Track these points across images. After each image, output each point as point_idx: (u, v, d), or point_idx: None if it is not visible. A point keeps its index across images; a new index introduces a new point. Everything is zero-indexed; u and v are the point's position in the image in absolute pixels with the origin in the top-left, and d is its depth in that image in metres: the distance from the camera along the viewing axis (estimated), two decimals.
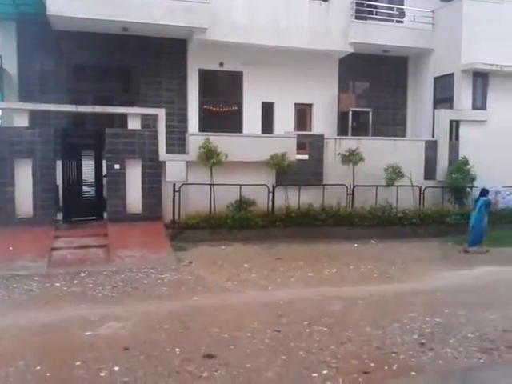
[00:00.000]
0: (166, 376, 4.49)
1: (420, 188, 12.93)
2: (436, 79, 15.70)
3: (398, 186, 12.56)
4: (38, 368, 4.64)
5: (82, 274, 8.16)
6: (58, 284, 7.64)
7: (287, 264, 9.19)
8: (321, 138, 13.08)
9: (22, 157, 10.41)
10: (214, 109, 14.86)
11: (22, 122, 10.64)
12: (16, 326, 5.89)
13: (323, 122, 15.46)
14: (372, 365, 4.80)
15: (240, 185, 11.40)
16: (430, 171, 14.06)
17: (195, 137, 12.11)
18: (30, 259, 8.66)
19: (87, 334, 5.61)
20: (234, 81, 14.99)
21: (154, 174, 11.30)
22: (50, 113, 12.31)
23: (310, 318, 6.18)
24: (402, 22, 15.27)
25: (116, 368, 4.62)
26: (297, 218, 11.59)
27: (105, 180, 11.19)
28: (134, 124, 11.42)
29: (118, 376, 4.47)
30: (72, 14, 11.97)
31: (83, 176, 11.13)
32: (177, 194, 11.19)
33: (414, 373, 4.72)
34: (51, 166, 10.62)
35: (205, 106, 14.75)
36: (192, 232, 10.89)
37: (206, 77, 14.67)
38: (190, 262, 9.10)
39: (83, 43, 13.18)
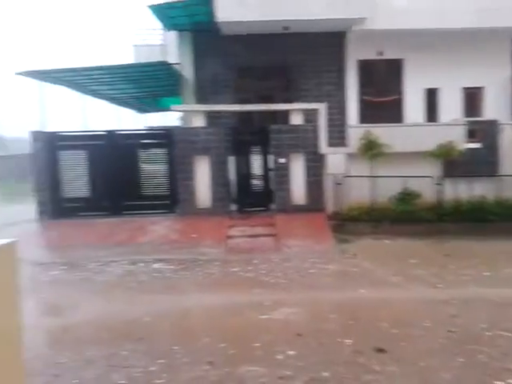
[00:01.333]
0: (337, 365, 4.55)
1: None
2: None
3: None
4: (223, 345, 5.09)
5: (255, 261, 8.68)
6: (234, 269, 8.26)
7: (458, 261, 8.54)
8: (494, 123, 11.83)
9: (200, 154, 11.45)
10: (374, 99, 14.44)
11: (199, 122, 11.70)
12: (200, 306, 6.54)
13: (495, 107, 13.95)
14: None
15: (403, 176, 10.92)
16: None
17: (355, 129, 11.96)
18: (209, 246, 9.53)
19: (262, 317, 5.97)
20: (393, 69, 14.37)
21: (315, 166, 11.48)
22: (221, 112, 13.30)
23: (489, 320, 5.67)
24: None
25: (291, 352, 4.84)
26: (467, 212, 10.67)
27: (271, 173, 11.72)
28: (296, 119, 11.73)
29: (292, 360, 4.67)
30: (239, 18, 12.69)
31: (252, 170, 11.82)
32: (338, 186, 11.20)
33: None
34: (224, 162, 11.50)
35: (364, 97, 14.43)
36: (353, 224, 10.79)
37: (364, 67, 14.33)
38: (354, 255, 9.05)
39: (247, 45, 13.91)
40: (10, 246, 1.74)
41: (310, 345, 5.04)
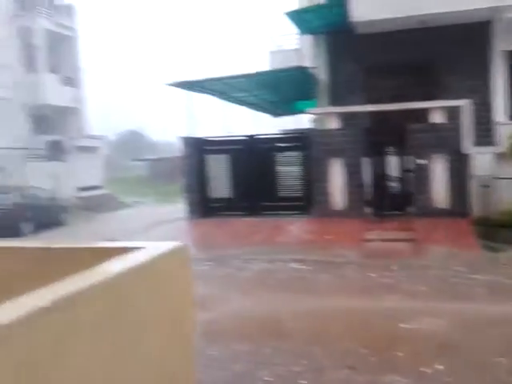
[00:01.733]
0: None
1: None
2: None
3: None
4: (364, 351, 5.01)
5: (392, 267, 8.39)
6: (370, 274, 8.08)
7: None
8: None
9: (335, 155, 11.42)
10: None
11: (334, 124, 11.67)
12: (338, 308, 6.51)
13: None
14: None
15: None
16: None
17: (504, 126, 10.89)
18: (345, 248, 9.47)
19: (402, 325, 5.74)
20: None
21: (458, 167, 10.70)
22: (355, 113, 13.07)
23: None
24: None
25: (439, 367, 4.58)
26: None
27: (408, 175, 11.22)
28: (436, 117, 11.07)
29: (441, 375, 4.42)
30: (375, 16, 12.36)
31: (388, 172, 11.44)
32: (485, 188, 10.30)
33: None
34: (359, 163, 11.31)
35: None
36: (504, 231, 9.82)
37: None
38: (507, 265, 8.24)
39: (381, 43, 13.45)
40: (185, 247, 1.94)
41: (460, 361, 4.72)
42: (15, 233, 14.59)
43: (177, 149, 13.04)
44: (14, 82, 20.95)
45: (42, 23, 22.97)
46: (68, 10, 24.88)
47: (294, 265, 8.70)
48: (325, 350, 5.05)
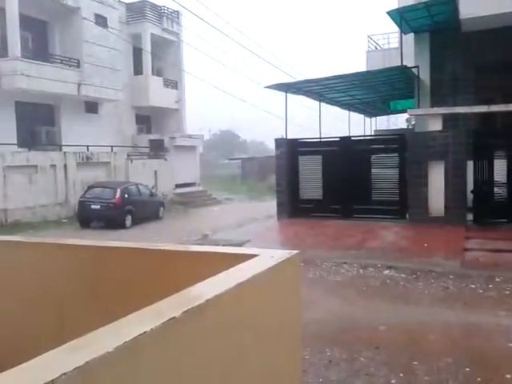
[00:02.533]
0: None
1: None
2: None
3: None
4: (467, 369, 4.66)
5: (497, 279, 7.74)
6: (472, 285, 7.52)
7: None
8: None
9: (435, 159, 10.80)
10: None
11: (436, 125, 11.03)
12: (437, 321, 6.12)
13: None
14: None
15: None
16: None
17: None
18: (443, 257, 8.91)
19: (511, 345, 5.26)
20: None
21: None
22: (460, 114, 12.26)
23: None
24: None
25: None
26: None
27: None
28: None
29: None
30: (483, 12, 11.51)
31: (495, 177, 10.58)
32: None
33: None
34: (462, 167, 10.59)
35: None
36: None
37: None
38: None
39: (489, 40, 12.50)
40: (297, 255, 1.95)
41: None
42: (120, 225, 15.67)
43: (269, 149, 13.17)
44: (123, 85, 22.47)
45: (150, 29, 24.39)
46: (174, 16, 26.10)
47: (388, 272, 8.36)
48: (424, 364, 4.77)
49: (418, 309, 6.60)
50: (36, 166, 16.75)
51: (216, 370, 1.31)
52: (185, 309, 1.13)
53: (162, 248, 2.00)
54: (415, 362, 4.79)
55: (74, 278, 2.19)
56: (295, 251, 1.98)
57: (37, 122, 19.76)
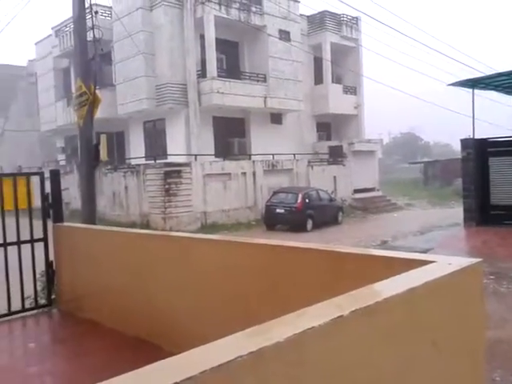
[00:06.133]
0: None
1: None
2: None
3: None
4: None
5: None
6: None
7: None
8: None
9: None
10: None
11: None
12: None
13: None
14: None
15: None
16: None
17: None
18: None
19: None
20: None
21: None
22: None
23: None
24: None
25: None
26: None
27: None
28: None
29: None
30: None
31: None
32: None
33: None
34: None
35: None
36: None
37: None
38: None
39: None
40: (479, 264, 1.75)
41: None
42: (302, 228, 16.23)
43: (455, 151, 12.05)
44: (304, 95, 23.26)
45: (330, 38, 24.74)
46: (353, 22, 25.97)
47: None
48: None
49: None
50: (229, 174, 18.47)
51: (388, 373, 1.28)
52: (353, 308, 1.13)
53: (332, 249, 2.02)
54: None
55: (257, 273, 2.37)
56: (477, 259, 1.81)
57: (230, 134, 21.79)
